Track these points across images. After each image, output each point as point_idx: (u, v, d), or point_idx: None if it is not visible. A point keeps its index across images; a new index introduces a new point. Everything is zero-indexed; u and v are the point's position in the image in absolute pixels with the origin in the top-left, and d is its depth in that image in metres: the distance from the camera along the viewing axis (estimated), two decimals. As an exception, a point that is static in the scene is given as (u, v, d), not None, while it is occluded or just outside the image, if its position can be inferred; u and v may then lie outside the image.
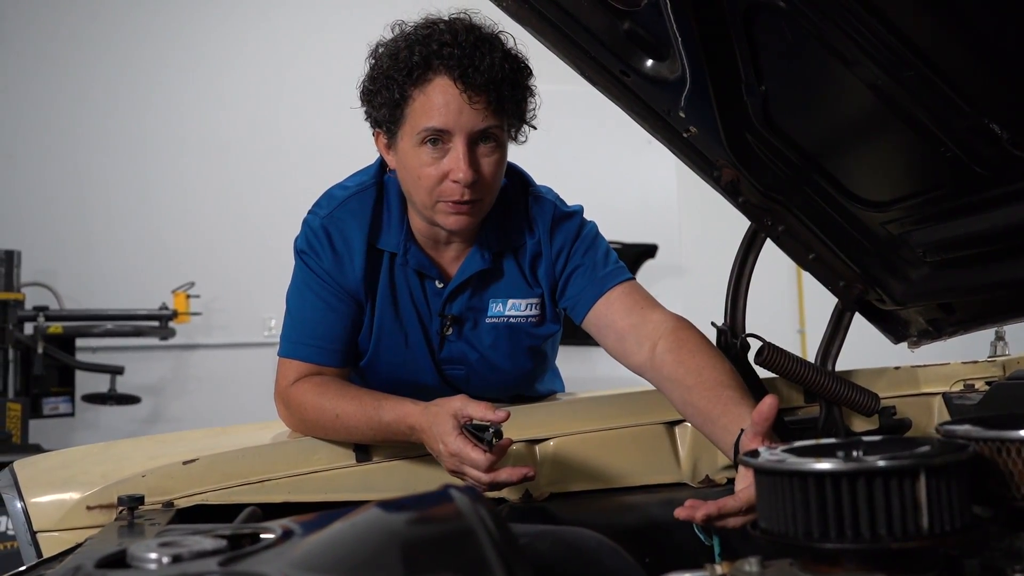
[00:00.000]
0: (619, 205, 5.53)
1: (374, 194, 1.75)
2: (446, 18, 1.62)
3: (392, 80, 1.59)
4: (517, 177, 1.82)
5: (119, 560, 0.77)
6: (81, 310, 5.30)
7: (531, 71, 1.66)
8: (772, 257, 1.79)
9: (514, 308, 1.77)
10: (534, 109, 1.69)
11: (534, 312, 1.78)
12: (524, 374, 1.86)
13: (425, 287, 1.75)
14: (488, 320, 1.77)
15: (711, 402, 1.50)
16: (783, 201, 1.67)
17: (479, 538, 0.72)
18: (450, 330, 1.76)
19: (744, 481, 1.32)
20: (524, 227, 1.77)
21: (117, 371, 5.16)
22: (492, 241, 1.75)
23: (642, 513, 1.59)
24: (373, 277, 1.73)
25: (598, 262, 1.76)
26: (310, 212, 1.78)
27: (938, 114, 1.30)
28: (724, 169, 1.63)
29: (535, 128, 1.71)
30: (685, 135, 1.60)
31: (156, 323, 5.28)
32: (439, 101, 1.56)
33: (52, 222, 5.49)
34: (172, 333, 5.35)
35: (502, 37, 1.62)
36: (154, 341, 5.37)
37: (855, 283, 1.78)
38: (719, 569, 1.05)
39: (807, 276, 1.82)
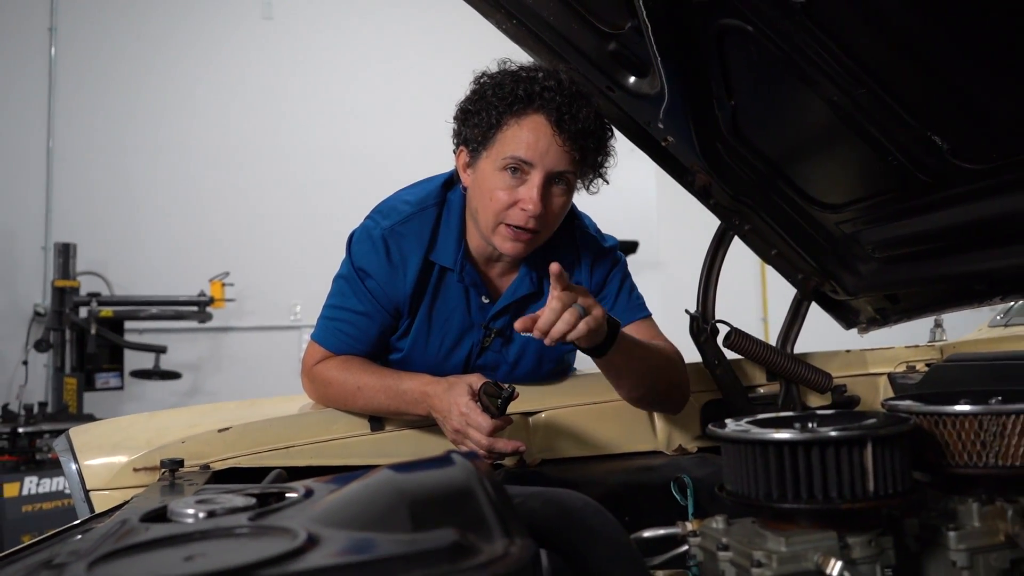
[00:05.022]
0: (604, 206, 5.47)
1: (435, 213, 1.67)
2: (549, 67, 1.56)
3: (492, 106, 1.53)
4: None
5: (161, 515, 0.76)
6: (129, 296, 5.30)
7: (613, 134, 1.61)
8: (739, 253, 1.79)
9: None
10: (609, 167, 1.62)
11: None
12: (548, 375, 1.81)
13: (470, 301, 1.69)
14: (524, 334, 1.72)
15: None
16: (749, 203, 1.67)
17: (478, 497, 0.72)
18: (489, 341, 1.71)
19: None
20: (571, 257, 1.71)
21: (161, 350, 5.17)
22: (539, 264, 1.67)
23: (623, 477, 1.59)
24: (421, 290, 1.67)
25: (623, 297, 1.73)
26: (371, 218, 1.70)
27: (887, 127, 1.30)
28: (698, 175, 1.63)
29: (607, 183, 1.64)
30: (663, 144, 1.60)
31: (195, 308, 5.29)
32: (530, 136, 1.50)
33: (104, 218, 5.49)
34: (209, 317, 5.35)
35: (591, 98, 1.55)
36: (193, 324, 5.37)
37: (812, 276, 1.78)
38: (690, 526, 1.05)
39: (770, 270, 1.82)
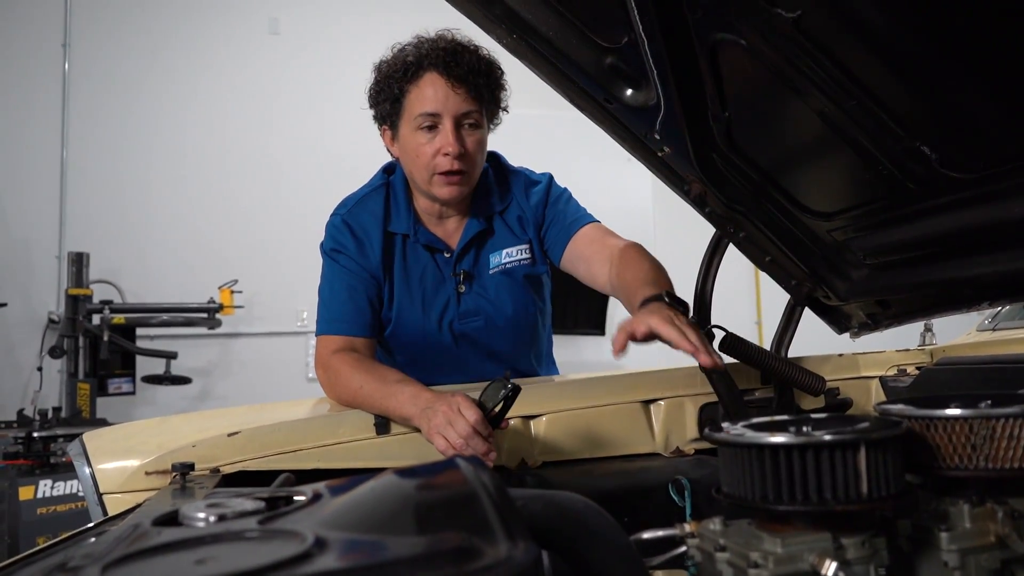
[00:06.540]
0: (603, 214, 5.51)
1: (383, 191, 1.84)
2: (433, 35, 1.73)
3: (392, 80, 1.71)
4: (493, 159, 1.93)
5: (172, 519, 0.76)
6: (141, 304, 5.30)
7: (502, 70, 1.76)
8: (734, 259, 1.79)
9: (508, 256, 1.87)
10: (506, 99, 1.80)
11: (526, 256, 1.88)
12: (529, 318, 1.91)
13: (436, 260, 1.83)
14: (491, 272, 1.85)
15: (633, 294, 1.57)
16: (744, 212, 1.67)
17: (481, 500, 0.71)
18: (463, 287, 1.83)
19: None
20: (505, 194, 1.89)
21: (171, 356, 5.16)
22: (482, 209, 1.85)
23: (622, 479, 1.58)
24: (389, 258, 1.80)
25: (567, 214, 1.89)
26: (331, 215, 1.84)
27: (877, 138, 1.29)
28: (693, 184, 1.63)
29: (507, 112, 1.80)
30: (659, 154, 1.59)
31: (205, 315, 5.29)
32: (430, 92, 1.68)
33: (116, 228, 5.49)
34: (218, 323, 5.34)
35: (477, 46, 1.73)
36: (203, 330, 5.37)
37: (805, 282, 1.77)
38: (688, 528, 1.05)
39: (764, 276, 1.81)
